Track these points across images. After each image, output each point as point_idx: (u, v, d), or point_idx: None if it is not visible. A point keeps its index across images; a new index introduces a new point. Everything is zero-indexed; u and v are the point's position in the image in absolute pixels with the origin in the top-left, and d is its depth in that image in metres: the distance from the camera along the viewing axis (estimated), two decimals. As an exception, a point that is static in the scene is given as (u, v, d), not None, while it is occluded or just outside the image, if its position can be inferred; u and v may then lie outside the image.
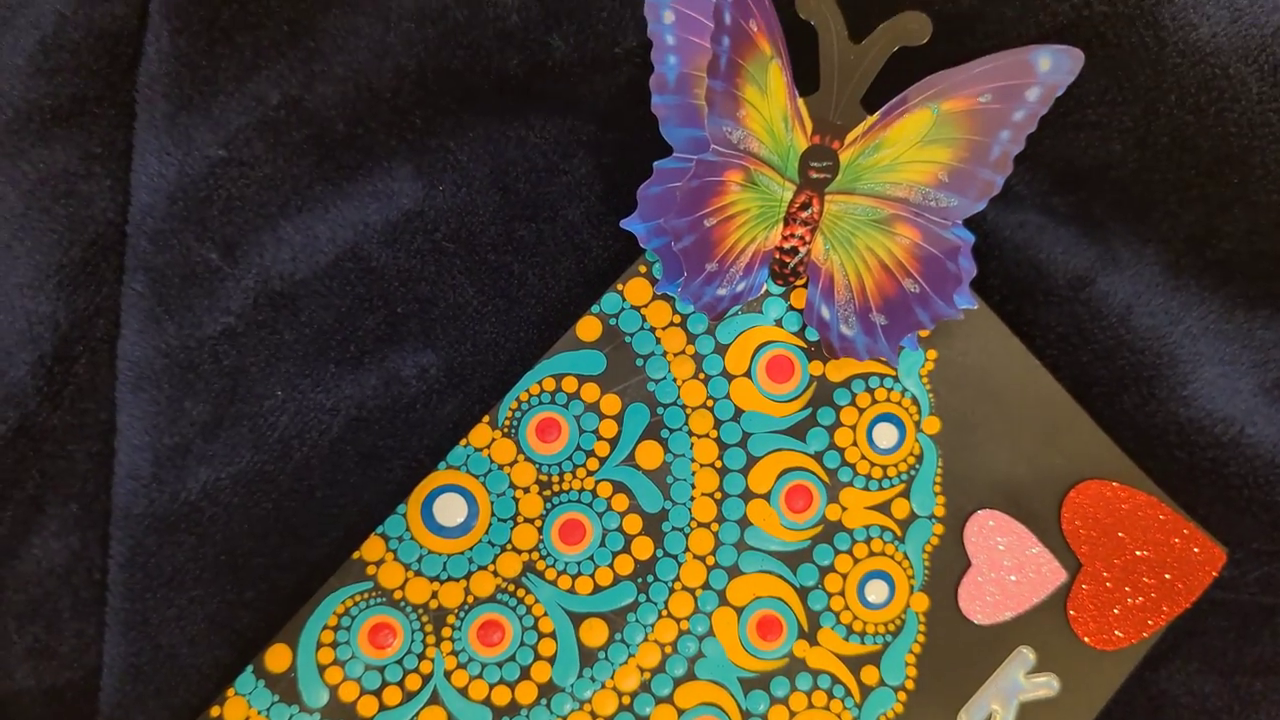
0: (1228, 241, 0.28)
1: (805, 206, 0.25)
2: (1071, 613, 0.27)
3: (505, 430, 0.27)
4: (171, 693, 0.26)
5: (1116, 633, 0.27)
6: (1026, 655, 0.27)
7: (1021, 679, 0.27)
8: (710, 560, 0.27)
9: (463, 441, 0.27)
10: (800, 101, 0.25)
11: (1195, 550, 0.27)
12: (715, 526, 0.27)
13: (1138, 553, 0.27)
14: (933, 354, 0.27)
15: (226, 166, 0.26)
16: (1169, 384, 0.28)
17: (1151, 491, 0.27)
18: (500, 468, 0.27)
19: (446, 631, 0.26)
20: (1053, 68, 0.23)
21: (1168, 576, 0.27)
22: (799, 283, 0.27)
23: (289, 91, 0.27)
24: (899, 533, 0.27)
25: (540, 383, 0.27)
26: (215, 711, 0.25)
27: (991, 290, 0.28)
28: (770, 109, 0.24)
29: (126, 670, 0.26)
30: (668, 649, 0.26)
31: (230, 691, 0.25)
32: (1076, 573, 0.27)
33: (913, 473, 0.27)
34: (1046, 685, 0.27)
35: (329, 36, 0.27)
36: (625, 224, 0.25)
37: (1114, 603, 0.27)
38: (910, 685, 0.27)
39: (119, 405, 0.26)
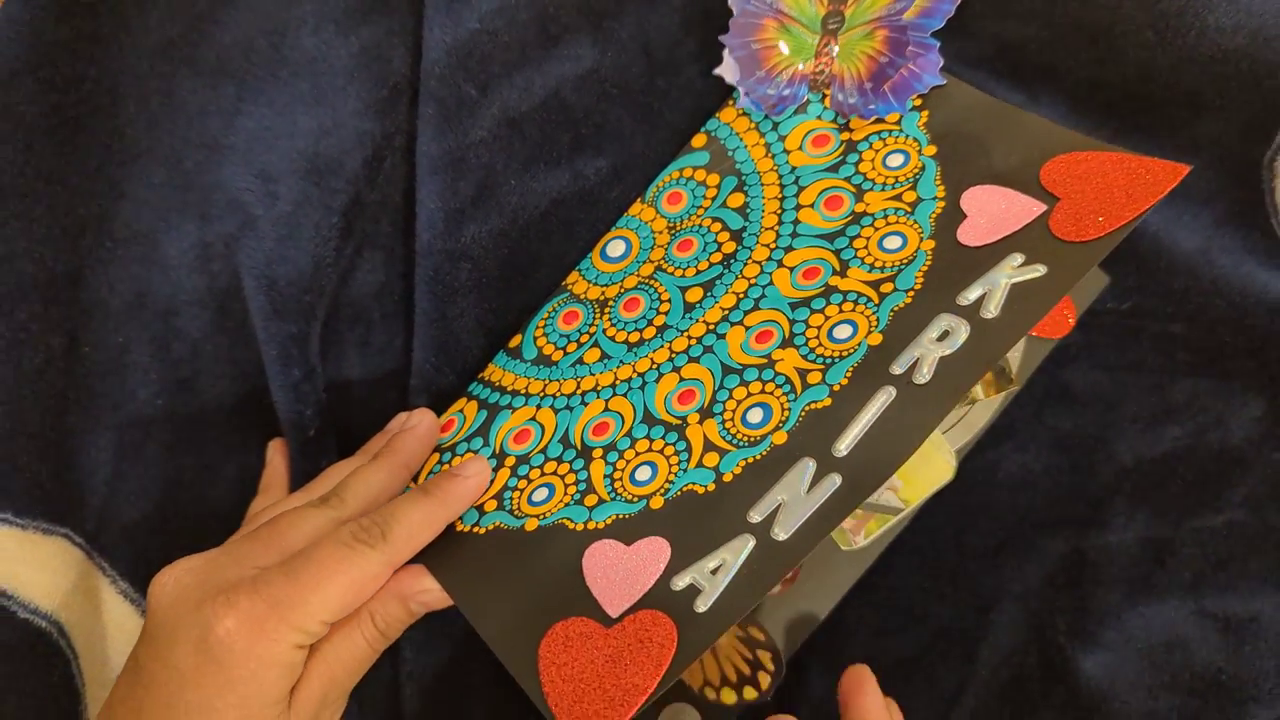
0: (1109, 89, 0.44)
1: (827, 45, 0.41)
2: (1052, 226, 0.33)
3: (649, 201, 0.43)
4: (460, 365, 0.42)
5: (1099, 219, 0.33)
6: (1016, 256, 0.33)
7: (1010, 270, 0.33)
8: (772, 245, 0.39)
9: (626, 212, 0.43)
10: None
11: (1157, 169, 0.34)
12: (776, 227, 0.40)
13: (1108, 180, 0.35)
14: (925, 113, 0.39)
15: (481, 35, 0.42)
16: None
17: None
18: (645, 224, 0.42)
19: (607, 309, 0.41)
20: None
21: (1132, 190, 0.34)
22: (827, 90, 0.42)
23: (519, -10, 0.42)
24: (909, 209, 0.37)
25: (669, 174, 0.43)
26: (487, 372, 0.41)
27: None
28: None
29: (427, 346, 0.42)
30: (741, 296, 0.38)
31: (490, 364, 0.41)
32: (1056, 203, 0.34)
33: (918, 176, 0.38)
34: (1034, 270, 0.33)
35: None
36: (717, 71, 0.42)
37: (1090, 213, 0.33)
38: (918, 287, 0.35)
39: (419, 185, 0.42)
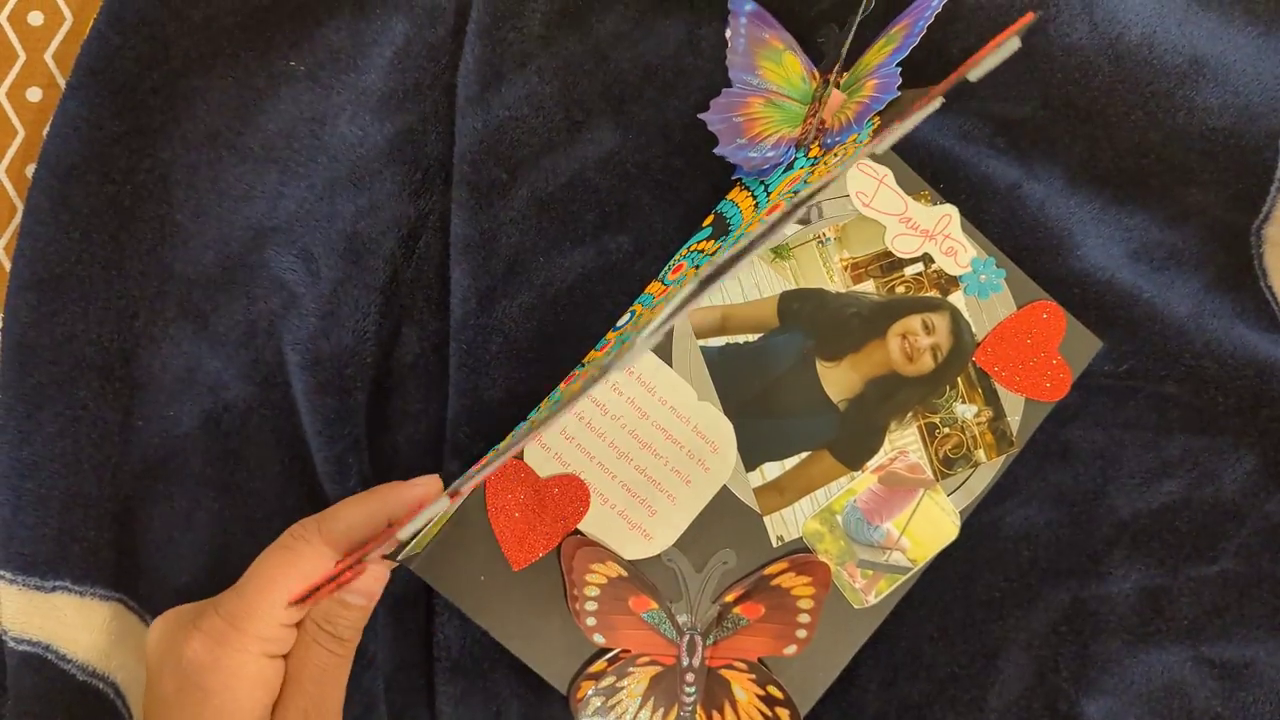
0: (1102, 163, 0.46)
1: (815, 113, 0.43)
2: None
3: (659, 277, 0.45)
4: (491, 433, 0.44)
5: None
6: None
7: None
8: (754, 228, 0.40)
9: (645, 290, 0.45)
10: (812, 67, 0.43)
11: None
12: (756, 220, 0.40)
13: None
14: (876, 118, 0.41)
15: (510, 122, 0.44)
16: (1067, 247, 0.45)
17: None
18: (650, 295, 0.44)
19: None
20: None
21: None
22: (814, 145, 0.44)
23: (544, 81, 0.45)
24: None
25: (680, 251, 0.45)
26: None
27: (959, 190, 0.45)
28: (788, 71, 0.43)
29: (460, 416, 0.44)
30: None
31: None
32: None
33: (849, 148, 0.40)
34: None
35: (565, 57, 0.45)
36: (717, 151, 0.44)
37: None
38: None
39: (452, 264, 0.44)
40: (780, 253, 0.44)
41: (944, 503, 0.44)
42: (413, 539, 0.38)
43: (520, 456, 0.43)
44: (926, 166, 0.45)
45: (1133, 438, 0.47)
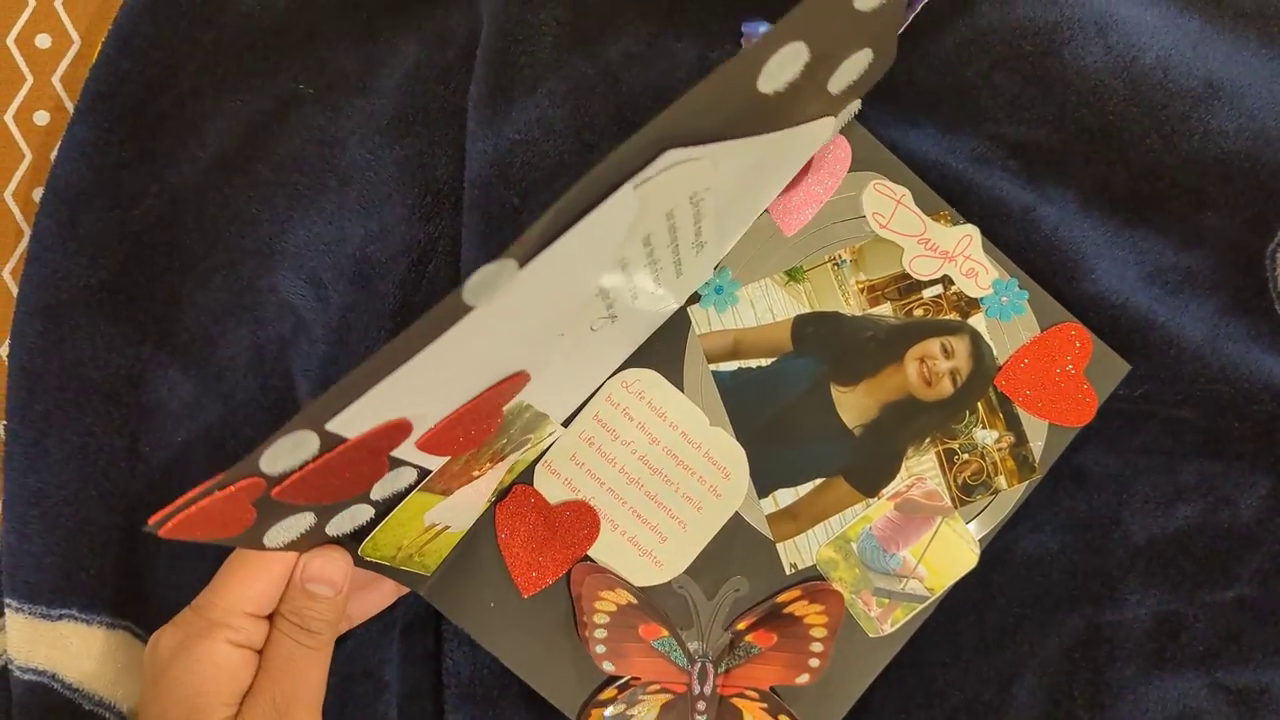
0: (1117, 187, 0.46)
1: None
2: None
3: None
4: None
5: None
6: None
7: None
8: None
9: None
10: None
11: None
12: None
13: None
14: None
15: (520, 145, 0.44)
16: (1082, 271, 0.45)
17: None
18: None
19: None
20: None
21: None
22: None
23: (555, 104, 0.44)
24: None
25: None
26: None
27: (973, 213, 0.45)
28: None
29: None
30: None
31: None
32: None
33: None
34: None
35: (576, 79, 0.44)
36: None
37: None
38: None
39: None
40: (794, 275, 0.44)
41: (962, 530, 0.44)
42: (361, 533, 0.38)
43: (530, 482, 0.43)
44: (939, 190, 0.45)
45: (1148, 462, 0.46)
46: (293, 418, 0.29)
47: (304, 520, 0.34)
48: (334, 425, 0.31)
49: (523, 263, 0.29)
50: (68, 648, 0.42)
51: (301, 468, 0.31)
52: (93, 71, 0.43)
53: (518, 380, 0.36)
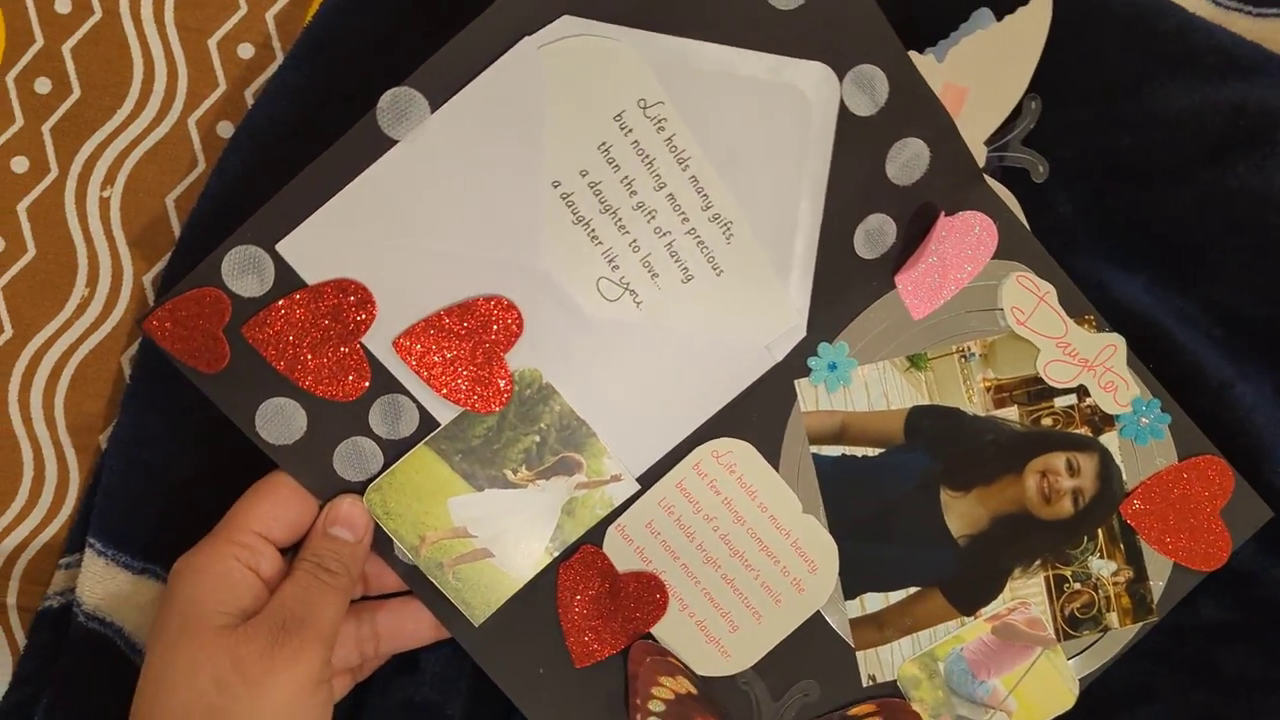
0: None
1: None
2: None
3: None
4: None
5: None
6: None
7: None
8: None
9: None
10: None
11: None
12: None
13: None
14: None
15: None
16: (1273, 460, 0.40)
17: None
18: None
19: None
20: None
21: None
22: None
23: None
24: None
25: None
26: None
27: (1169, 382, 0.40)
28: None
29: None
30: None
31: None
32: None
33: None
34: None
35: None
36: None
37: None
38: None
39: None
40: (917, 362, 0.40)
41: (1063, 666, 0.39)
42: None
43: (599, 544, 0.39)
44: (1138, 342, 0.40)
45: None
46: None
47: (296, 416, 0.36)
48: (284, 248, 0.32)
49: (434, 105, 0.29)
50: (143, 606, 0.39)
51: (267, 306, 0.32)
52: (316, 18, 0.40)
53: (500, 304, 0.36)
